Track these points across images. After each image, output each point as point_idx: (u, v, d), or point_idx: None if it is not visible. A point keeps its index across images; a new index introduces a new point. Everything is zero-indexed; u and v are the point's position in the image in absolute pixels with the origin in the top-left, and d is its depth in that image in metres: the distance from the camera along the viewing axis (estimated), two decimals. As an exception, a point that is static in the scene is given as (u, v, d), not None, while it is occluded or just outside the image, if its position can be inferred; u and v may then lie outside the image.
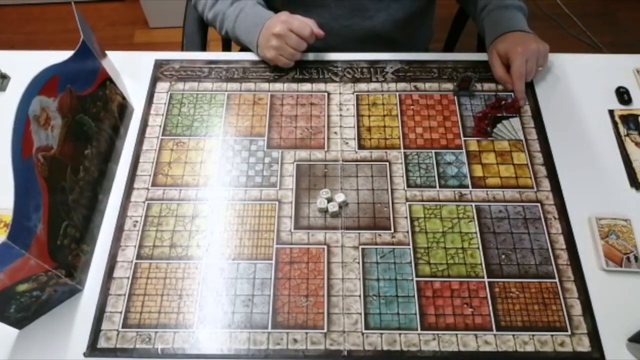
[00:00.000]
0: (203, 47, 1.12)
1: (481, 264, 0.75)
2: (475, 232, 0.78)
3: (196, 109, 0.91)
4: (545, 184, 0.82)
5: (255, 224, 0.79)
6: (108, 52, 0.89)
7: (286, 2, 0.95)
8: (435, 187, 0.82)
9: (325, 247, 0.77)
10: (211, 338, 0.70)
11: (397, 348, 0.69)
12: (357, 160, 0.85)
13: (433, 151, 0.86)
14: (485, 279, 0.74)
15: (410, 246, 0.77)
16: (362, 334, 0.70)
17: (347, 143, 0.87)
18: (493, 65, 0.92)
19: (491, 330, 0.70)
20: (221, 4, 0.96)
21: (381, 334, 0.70)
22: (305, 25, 0.88)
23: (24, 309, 0.67)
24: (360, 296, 0.73)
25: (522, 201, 0.81)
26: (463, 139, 0.87)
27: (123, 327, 0.71)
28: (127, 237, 0.78)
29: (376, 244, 0.77)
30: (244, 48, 1.00)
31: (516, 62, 0.88)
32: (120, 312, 0.72)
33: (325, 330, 0.70)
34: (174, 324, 0.71)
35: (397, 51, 1.00)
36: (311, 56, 0.97)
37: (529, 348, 0.69)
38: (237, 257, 0.76)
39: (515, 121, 0.89)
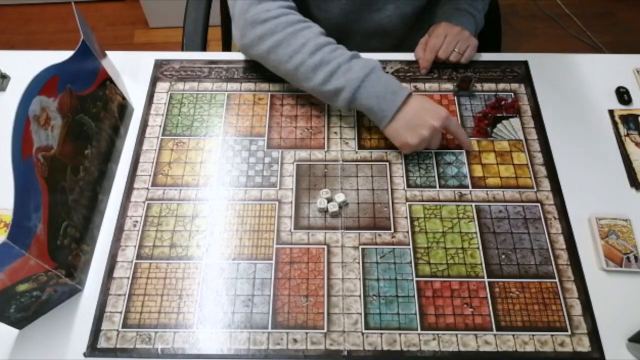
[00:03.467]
0: (203, 47, 1.12)
1: (481, 264, 0.75)
2: (475, 232, 0.78)
3: (196, 109, 0.91)
4: (545, 184, 0.82)
5: (255, 224, 0.79)
6: (108, 52, 0.89)
7: None
8: (435, 187, 0.82)
9: (325, 247, 0.77)
10: (211, 338, 0.70)
11: (397, 348, 0.69)
12: (357, 160, 0.85)
13: (433, 151, 0.86)
14: (485, 279, 0.74)
15: (410, 246, 0.77)
16: (362, 334, 0.70)
17: (347, 143, 0.87)
18: (418, 45, 0.96)
19: (491, 330, 0.70)
20: (334, 56, 0.81)
21: (381, 334, 0.70)
22: (463, 130, 0.84)
23: (24, 309, 0.67)
24: (360, 296, 0.73)
25: (522, 201, 0.81)
26: (463, 139, 0.87)
27: (123, 327, 0.71)
28: (127, 237, 0.78)
29: (376, 244, 0.77)
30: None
31: (434, 33, 0.93)
32: (120, 312, 0.72)
33: (325, 330, 0.70)
34: (174, 324, 0.71)
35: (401, 49, 1.00)
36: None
37: (529, 348, 0.69)
38: (237, 257, 0.76)
39: (515, 121, 0.89)
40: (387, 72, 0.85)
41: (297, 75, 0.82)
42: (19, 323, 0.69)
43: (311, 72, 0.80)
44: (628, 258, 0.75)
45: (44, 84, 0.65)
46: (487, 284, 0.74)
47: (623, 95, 0.92)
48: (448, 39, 0.92)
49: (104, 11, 2.20)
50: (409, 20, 1.02)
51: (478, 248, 0.76)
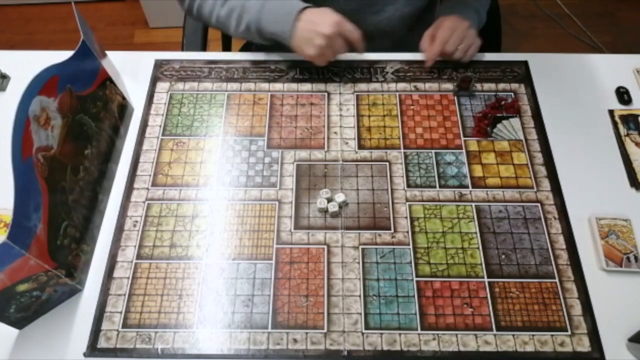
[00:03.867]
0: (203, 47, 1.12)
1: (481, 264, 0.75)
2: (475, 232, 0.78)
3: (196, 109, 0.91)
4: (545, 184, 0.82)
5: (255, 224, 0.79)
6: (108, 52, 0.89)
7: None
8: (435, 187, 0.82)
9: (325, 247, 0.77)
10: (211, 338, 0.70)
11: (397, 348, 0.69)
12: (357, 160, 0.85)
13: (433, 151, 0.86)
14: (485, 279, 0.74)
15: (410, 246, 0.77)
16: (362, 334, 0.70)
17: (347, 143, 0.87)
18: (423, 37, 0.95)
19: (491, 330, 0.70)
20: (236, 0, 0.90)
21: (381, 334, 0.70)
22: (356, 30, 0.86)
23: (24, 309, 0.67)
24: (360, 296, 0.73)
25: (522, 201, 0.81)
26: (463, 139, 0.87)
27: (123, 327, 0.71)
28: (127, 237, 0.78)
29: (376, 244, 0.77)
30: (252, 45, 0.99)
31: (444, 25, 0.91)
32: (120, 312, 0.72)
33: (325, 330, 0.70)
34: (174, 324, 0.71)
35: (401, 49, 1.00)
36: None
37: (529, 348, 0.69)
38: (237, 257, 0.76)
39: (515, 121, 0.89)
40: None
41: (223, 28, 0.93)
42: (19, 323, 0.69)
43: (227, 21, 0.91)
44: (628, 258, 0.75)
45: (44, 84, 0.65)
46: (487, 284, 0.74)
47: (623, 95, 0.92)
48: (456, 33, 0.91)
49: (104, 11, 2.20)
50: (408, 21, 1.02)
51: (478, 248, 0.76)
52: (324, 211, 0.79)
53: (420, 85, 0.94)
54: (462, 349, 0.69)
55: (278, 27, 0.87)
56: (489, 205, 0.80)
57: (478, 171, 0.84)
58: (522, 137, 0.87)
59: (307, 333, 0.70)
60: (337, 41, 0.85)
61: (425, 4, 1.01)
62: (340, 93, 0.93)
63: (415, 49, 0.99)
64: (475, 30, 0.94)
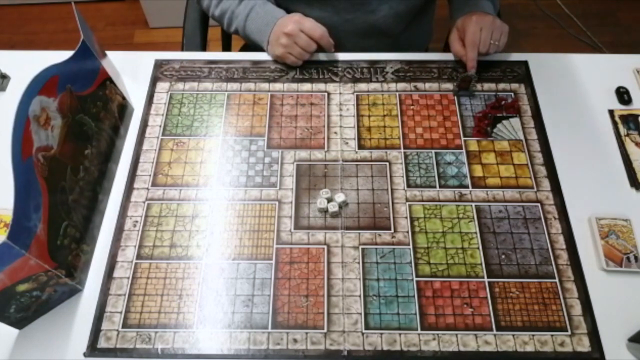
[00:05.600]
0: (203, 47, 1.12)
1: (481, 264, 0.75)
2: (475, 232, 0.78)
3: (196, 109, 0.91)
4: (545, 184, 0.82)
5: (255, 224, 0.79)
6: (108, 52, 0.89)
7: None
8: (435, 187, 0.82)
9: (325, 247, 0.77)
10: (211, 338, 0.70)
11: (397, 348, 0.69)
12: (357, 160, 0.85)
13: (433, 151, 0.86)
14: (485, 279, 0.74)
15: (410, 246, 0.77)
16: (362, 334, 0.70)
17: (347, 143, 0.87)
18: (451, 41, 0.94)
19: (491, 330, 0.70)
20: (228, 2, 0.96)
21: (381, 334, 0.70)
22: (317, 26, 0.90)
23: (24, 309, 0.67)
24: (360, 296, 0.73)
25: (522, 201, 0.81)
26: (463, 139, 0.87)
27: (123, 327, 0.71)
28: (127, 237, 0.78)
29: (376, 244, 0.77)
30: (251, 46, 1.00)
31: (470, 29, 0.90)
32: (120, 312, 0.72)
33: (325, 330, 0.70)
34: (174, 324, 0.71)
35: (398, 46, 1.00)
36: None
37: (529, 348, 0.69)
38: (237, 257, 0.76)
39: (515, 121, 0.89)
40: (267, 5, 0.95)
41: (219, 24, 1.02)
42: (19, 323, 0.69)
43: (220, 21, 1.00)
44: (628, 258, 0.75)
45: (44, 84, 0.65)
46: (487, 284, 0.74)
47: (623, 95, 0.92)
48: (484, 32, 0.89)
49: (104, 11, 2.20)
50: (404, 19, 1.02)
51: (478, 248, 0.76)
52: (324, 211, 0.79)
53: (420, 85, 0.94)
54: (462, 349, 0.69)
55: (259, 36, 0.94)
56: (489, 205, 0.80)
57: (478, 171, 0.84)
58: (522, 137, 0.87)
59: (307, 333, 0.70)
60: (301, 38, 0.90)
61: (421, 1, 1.00)
62: (340, 93, 0.93)
63: (413, 47, 0.98)
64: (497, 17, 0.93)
